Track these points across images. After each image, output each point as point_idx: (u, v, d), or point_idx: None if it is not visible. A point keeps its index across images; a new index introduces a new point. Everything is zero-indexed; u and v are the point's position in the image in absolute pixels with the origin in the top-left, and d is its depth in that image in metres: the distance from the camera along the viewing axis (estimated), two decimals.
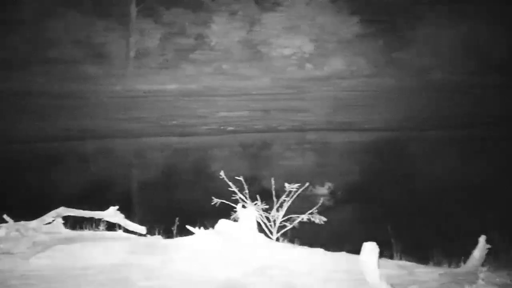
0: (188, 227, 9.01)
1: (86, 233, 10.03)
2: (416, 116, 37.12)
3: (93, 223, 11.13)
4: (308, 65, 46.29)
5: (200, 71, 44.76)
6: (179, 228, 10.23)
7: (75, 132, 33.18)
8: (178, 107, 39.03)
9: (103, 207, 10.27)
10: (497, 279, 7.86)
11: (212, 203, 9.64)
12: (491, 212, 17.23)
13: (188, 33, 47.29)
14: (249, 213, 8.81)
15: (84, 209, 10.20)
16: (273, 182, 9.91)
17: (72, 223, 10.65)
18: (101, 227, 10.73)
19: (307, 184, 9.81)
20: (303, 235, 10.01)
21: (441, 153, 30.05)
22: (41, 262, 8.38)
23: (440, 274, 8.00)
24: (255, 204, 9.26)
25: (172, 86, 42.48)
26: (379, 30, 46.98)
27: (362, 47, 46.84)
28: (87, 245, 8.88)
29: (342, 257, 8.31)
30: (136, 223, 10.18)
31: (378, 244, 7.13)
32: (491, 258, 8.99)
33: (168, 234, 10.52)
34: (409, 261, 9.15)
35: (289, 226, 9.58)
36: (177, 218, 10.71)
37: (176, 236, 9.80)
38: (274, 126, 35.89)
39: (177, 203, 19.32)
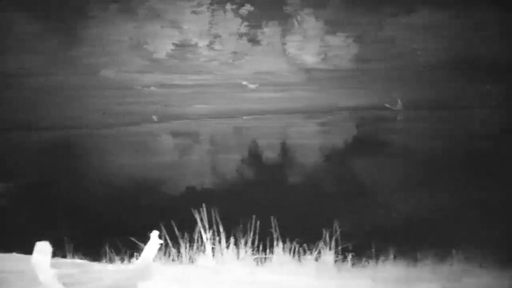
0: None
1: None
2: (85, 115, 37.01)
3: None
4: None
5: None
6: None
7: None
8: None
9: None
10: (171, 274, 8.14)
11: None
12: (163, 207, 17.83)
13: None
14: None
15: None
16: None
17: None
18: None
19: None
20: None
21: (113, 149, 30.37)
22: None
23: (112, 271, 8.06)
24: None
25: None
26: (54, 28, 46.15)
27: (38, 44, 45.62)
28: None
29: (13, 258, 8.03)
30: None
31: (51, 243, 6.98)
32: (162, 253, 9.29)
33: None
34: (82, 259, 9.10)
35: None
36: None
37: None
38: None
39: None
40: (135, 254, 9.12)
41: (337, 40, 48.21)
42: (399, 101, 38.89)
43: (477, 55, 45.39)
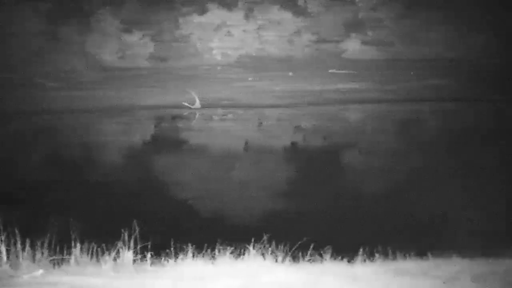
0: None
1: None
2: None
3: None
4: None
5: None
6: None
7: None
8: None
9: None
10: None
11: None
12: None
13: None
14: None
15: None
16: None
17: None
18: None
19: None
20: None
21: None
22: None
23: None
24: None
25: None
26: None
27: None
28: None
29: None
30: None
31: None
32: None
33: None
34: None
35: None
36: None
37: None
38: None
39: None
40: None
41: (134, 39, 48.17)
42: (197, 99, 39.48)
43: (269, 54, 47.48)
